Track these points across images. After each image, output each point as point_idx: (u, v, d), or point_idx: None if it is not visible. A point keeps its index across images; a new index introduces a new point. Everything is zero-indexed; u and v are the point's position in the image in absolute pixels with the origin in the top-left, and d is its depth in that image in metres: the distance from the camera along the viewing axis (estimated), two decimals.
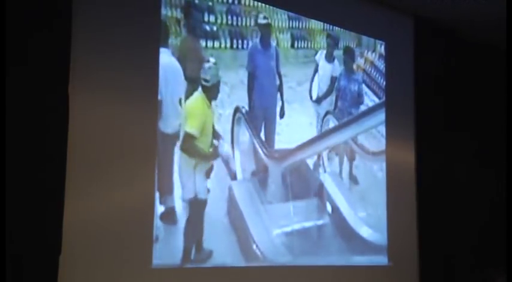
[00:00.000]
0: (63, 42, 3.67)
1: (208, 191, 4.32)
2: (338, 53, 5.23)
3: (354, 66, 5.34)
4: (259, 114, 4.70)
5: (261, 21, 4.76)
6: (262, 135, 4.70)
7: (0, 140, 3.24)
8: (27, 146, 3.51)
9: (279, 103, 4.82)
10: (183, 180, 4.20)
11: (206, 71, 4.36)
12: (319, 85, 5.07)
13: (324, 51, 5.13)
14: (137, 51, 4.02)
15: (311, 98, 5.00)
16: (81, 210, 3.66)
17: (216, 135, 4.41)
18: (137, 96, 3.99)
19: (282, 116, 4.82)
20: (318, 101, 5.05)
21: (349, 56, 5.32)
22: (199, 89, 4.33)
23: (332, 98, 5.14)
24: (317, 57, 5.09)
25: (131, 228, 3.87)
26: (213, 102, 4.41)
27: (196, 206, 4.24)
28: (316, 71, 5.07)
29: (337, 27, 5.23)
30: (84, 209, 3.68)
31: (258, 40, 4.74)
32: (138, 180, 3.95)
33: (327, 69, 5.13)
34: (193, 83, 4.30)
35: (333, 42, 5.18)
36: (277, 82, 4.84)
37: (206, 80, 4.35)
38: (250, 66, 4.67)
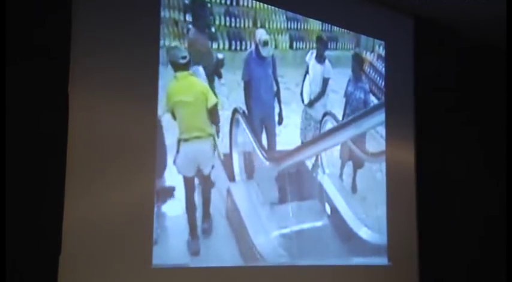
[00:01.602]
0: (63, 42, 3.67)
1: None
2: (330, 53, 5.19)
3: (362, 74, 5.34)
4: (258, 122, 4.70)
5: (262, 37, 4.76)
6: (263, 142, 4.70)
7: (0, 140, 3.23)
8: (27, 146, 3.50)
9: (277, 109, 4.82)
10: (186, 180, 4.21)
11: (181, 51, 4.32)
12: (311, 87, 5.03)
13: (314, 52, 5.08)
14: (137, 51, 4.01)
15: (303, 101, 4.96)
16: (81, 210, 3.65)
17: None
18: (137, 96, 3.99)
19: (280, 122, 4.81)
20: (310, 104, 5.01)
21: (357, 62, 5.32)
22: (183, 71, 4.31)
23: (325, 100, 5.10)
24: (307, 58, 5.04)
25: (131, 228, 3.86)
26: None
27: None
28: (306, 72, 5.02)
29: (336, 28, 5.22)
30: (84, 209, 3.67)
31: (253, 48, 4.73)
32: (138, 180, 3.94)
33: (317, 71, 5.09)
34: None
35: (323, 43, 5.13)
36: (275, 88, 4.83)
37: (183, 57, 4.30)
38: (246, 75, 4.64)
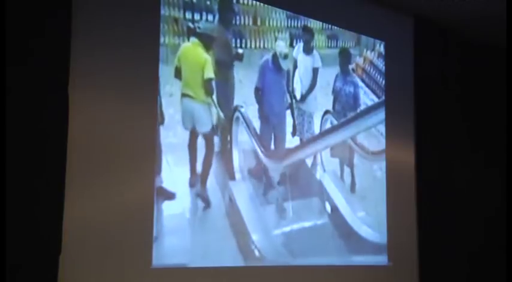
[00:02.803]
0: (63, 42, 3.67)
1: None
2: (323, 52, 5.19)
3: (350, 68, 5.32)
4: (268, 131, 4.72)
5: (283, 50, 4.82)
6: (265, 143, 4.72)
7: (1, 140, 3.24)
8: (28, 146, 3.51)
9: (291, 121, 4.84)
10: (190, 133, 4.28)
11: (204, 23, 4.41)
12: (302, 82, 5.00)
13: (301, 45, 5.03)
14: (137, 51, 4.02)
15: (295, 97, 4.94)
16: (81, 210, 3.66)
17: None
18: (137, 96, 3.99)
19: (294, 134, 4.84)
20: (302, 99, 4.99)
21: (345, 57, 5.29)
22: (194, 38, 4.38)
23: (316, 92, 5.07)
24: (294, 53, 4.99)
25: (131, 228, 3.87)
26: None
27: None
28: (295, 67, 4.98)
29: (336, 27, 5.22)
30: (84, 209, 3.68)
31: (270, 58, 4.75)
32: (138, 180, 3.94)
33: (307, 63, 5.05)
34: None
35: (309, 35, 5.08)
36: (289, 101, 4.84)
37: (199, 27, 4.39)
38: (260, 82, 4.67)
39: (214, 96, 4.42)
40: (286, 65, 4.84)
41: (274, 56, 4.78)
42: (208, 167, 4.34)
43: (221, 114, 4.44)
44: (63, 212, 3.56)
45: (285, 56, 4.81)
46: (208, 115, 4.39)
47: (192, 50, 4.37)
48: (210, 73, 4.41)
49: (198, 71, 4.38)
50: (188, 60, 4.32)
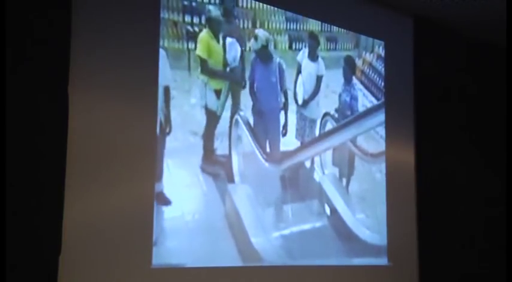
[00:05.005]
0: (63, 43, 3.67)
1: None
2: (326, 54, 5.18)
3: (354, 78, 5.32)
4: (262, 131, 4.71)
5: (259, 33, 4.78)
6: (263, 144, 4.71)
7: (0, 140, 3.23)
8: (27, 146, 3.50)
9: (283, 121, 4.83)
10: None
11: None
12: (304, 87, 5.00)
13: (306, 50, 5.04)
14: (137, 51, 4.02)
15: (296, 102, 4.93)
16: (81, 210, 3.65)
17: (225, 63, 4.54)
18: (137, 97, 3.99)
19: (284, 134, 4.82)
20: (304, 104, 4.98)
21: (348, 65, 5.30)
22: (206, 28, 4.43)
23: (318, 98, 5.07)
24: (298, 57, 5.00)
25: (131, 228, 3.86)
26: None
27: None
28: (299, 72, 4.99)
29: (335, 28, 5.22)
30: (84, 209, 3.67)
31: (257, 55, 4.75)
32: (138, 180, 3.94)
33: (311, 69, 5.05)
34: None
35: (315, 41, 5.09)
36: (283, 100, 4.84)
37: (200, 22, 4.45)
38: (251, 78, 4.67)
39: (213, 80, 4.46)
40: (255, 45, 4.76)
41: (261, 47, 4.78)
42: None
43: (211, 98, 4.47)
44: (63, 212, 3.55)
45: (255, 38, 4.76)
46: (203, 91, 4.39)
47: (206, 39, 4.43)
48: (198, 50, 4.40)
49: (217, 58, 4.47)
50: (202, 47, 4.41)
